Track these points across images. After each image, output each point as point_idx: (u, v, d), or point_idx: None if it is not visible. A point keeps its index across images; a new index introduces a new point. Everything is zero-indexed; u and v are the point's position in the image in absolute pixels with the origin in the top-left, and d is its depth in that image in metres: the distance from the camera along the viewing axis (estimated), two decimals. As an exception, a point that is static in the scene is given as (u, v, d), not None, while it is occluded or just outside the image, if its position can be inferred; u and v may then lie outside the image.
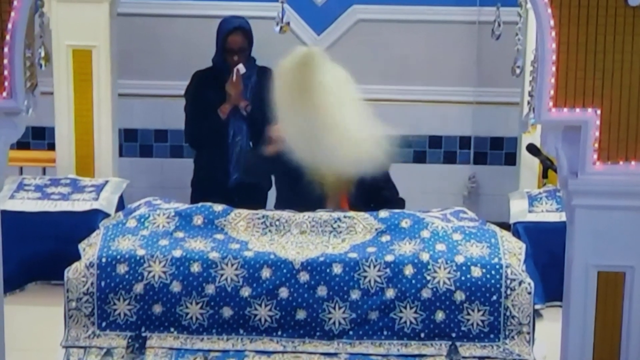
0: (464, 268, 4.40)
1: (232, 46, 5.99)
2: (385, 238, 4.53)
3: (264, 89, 5.13)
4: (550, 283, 5.18)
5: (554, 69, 3.48)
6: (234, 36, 5.97)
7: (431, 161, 7.13)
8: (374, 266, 4.42)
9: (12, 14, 3.50)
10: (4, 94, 3.57)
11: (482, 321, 4.39)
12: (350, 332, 4.40)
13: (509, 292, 4.38)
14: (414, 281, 4.39)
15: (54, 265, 4.95)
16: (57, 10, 5.84)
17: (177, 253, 4.46)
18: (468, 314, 4.39)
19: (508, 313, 4.38)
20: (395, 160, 5.40)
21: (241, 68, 5.92)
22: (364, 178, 5.12)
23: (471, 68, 6.99)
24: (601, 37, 3.46)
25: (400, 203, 5.35)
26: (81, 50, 5.90)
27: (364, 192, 5.19)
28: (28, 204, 5.58)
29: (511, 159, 6.83)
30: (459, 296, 4.38)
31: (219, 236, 4.54)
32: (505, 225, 5.11)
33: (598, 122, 3.50)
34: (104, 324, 4.42)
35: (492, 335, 4.39)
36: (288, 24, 3.65)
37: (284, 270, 4.42)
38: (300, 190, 5.04)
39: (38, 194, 5.65)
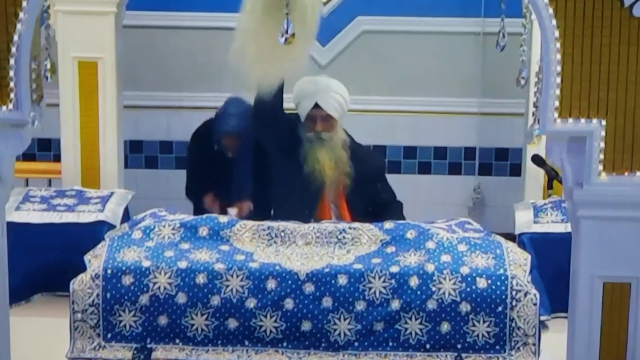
0: (469, 279, 4.40)
1: (227, 146, 5.82)
2: (390, 249, 4.53)
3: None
4: (556, 294, 5.17)
5: (558, 80, 3.48)
6: (227, 138, 5.81)
7: (436, 172, 7.14)
8: (379, 277, 4.41)
9: (18, 26, 3.51)
10: (10, 105, 3.58)
11: (488, 332, 4.38)
12: (356, 344, 4.40)
13: (514, 303, 4.38)
14: (419, 292, 4.39)
15: (60, 277, 4.95)
16: (63, 23, 5.86)
17: (183, 264, 4.46)
18: (473, 325, 4.38)
19: (514, 324, 4.38)
20: (388, 167, 5.45)
21: (233, 212, 5.71)
22: (361, 179, 5.16)
23: (476, 79, 6.99)
24: (606, 48, 3.46)
25: (398, 206, 5.37)
26: (87, 62, 5.92)
27: (362, 194, 5.22)
28: (34, 215, 5.59)
29: (516, 170, 6.83)
30: (465, 307, 4.38)
31: (224, 247, 4.55)
32: (510, 236, 5.10)
33: (603, 133, 3.51)
34: (109, 335, 4.42)
35: (497, 347, 4.38)
36: (293, 35, 3.65)
37: (289, 282, 4.42)
38: (298, 182, 5.08)
39: (44, 206, 5.66)
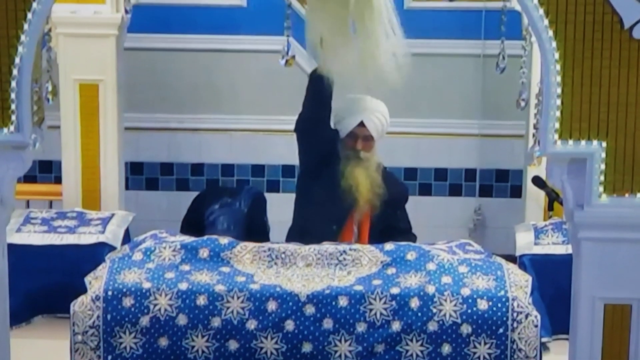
0: (470, 301, 4.40)
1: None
2: (390, 271, 4.53)
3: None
4: (557, 316, 5.17)
5: (558, 102, 3.49)
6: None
7: (437, 194, 7.14)
8: (380, 299, 4.41)
9: (20, 48, 3.53)
10: (12, 128, 3.58)
11: (489, 354, 4.37)
12: (357, 366, 4.39)
13: (515, 325, 4.37)
14: (419, 314, 4.39)
15: (60, 299, 4.95)
16: (64, 45, 5.88)
17: (183, 286, 4.45)
18: (474, 347, 4.38)
19: (515, 346, 4.37)
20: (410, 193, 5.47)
21: None
22: (385, 205, 5.15)
23: (476, 101, 7.00)
24: (606, 70, 3.47)
25: (411, 238, 5.35)
26: (88, 85, 5.93)
27: (383, 220, 5.22)
28: (34, 237, 5.59)
29: (517, 192, 6.83)
30: (465, 329, 4.37)
31: (225, 269, 4.54)
32: (511, 258, 5.10)
33: (603, 155, 3.51)
34: (109, 357, 4.41)
35: (498, 368, 4.38)
36: (293, 57, 3.67)
37: (290, 303, 4.42)
38: (332, 197, 5.07)
39: (44, 227, 5.66)
